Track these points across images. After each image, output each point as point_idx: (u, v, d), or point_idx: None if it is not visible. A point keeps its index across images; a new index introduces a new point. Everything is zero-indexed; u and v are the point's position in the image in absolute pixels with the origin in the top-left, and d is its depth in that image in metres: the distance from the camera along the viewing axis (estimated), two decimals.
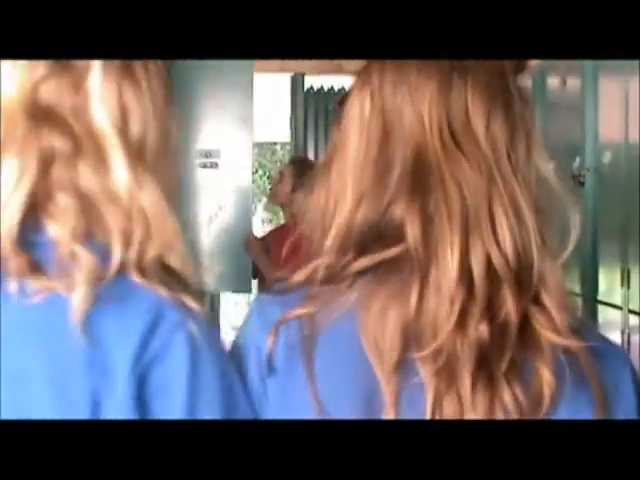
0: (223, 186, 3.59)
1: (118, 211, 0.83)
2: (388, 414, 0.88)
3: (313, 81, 7.03)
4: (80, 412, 0.87)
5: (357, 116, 0.94)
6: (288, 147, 8.40)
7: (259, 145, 12.37)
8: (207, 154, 3.58)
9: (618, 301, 2.95)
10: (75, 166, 0.85)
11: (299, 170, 3.55)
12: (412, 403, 0.85)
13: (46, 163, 0.85)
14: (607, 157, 3.11)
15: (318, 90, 7.08)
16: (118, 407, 0.85)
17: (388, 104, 0.93)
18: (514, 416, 0.88)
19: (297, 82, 7.00)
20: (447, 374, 0.82)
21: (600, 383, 0.86)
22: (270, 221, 13.25)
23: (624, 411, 0.93)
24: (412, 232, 0.82)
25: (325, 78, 6.98)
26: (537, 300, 0.83)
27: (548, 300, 0.83)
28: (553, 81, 3.89)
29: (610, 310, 3.06)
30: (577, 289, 3.44)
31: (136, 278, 0.81)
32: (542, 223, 0.87)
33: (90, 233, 0.82)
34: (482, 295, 0.80)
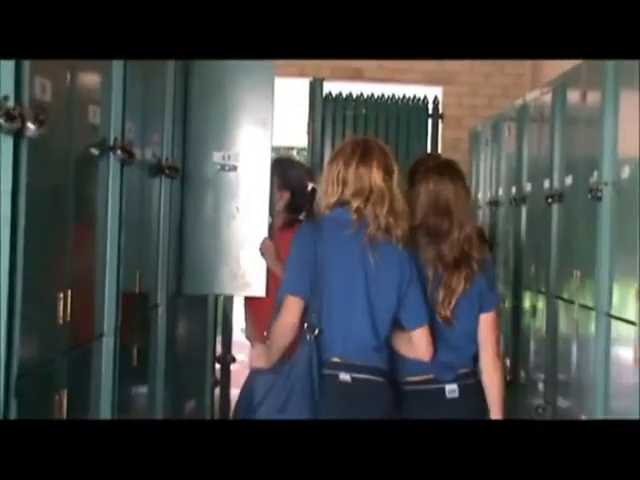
0: (241, 189, 3.61)
1: None
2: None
3: (332, 87, 7.05)
4: None
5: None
6: (305, 152, 8.41)
7: (276, 149, 12.36)
8: (226, 157, 3.60)
9: (632, 316, 2.94)
10: None
11: (280, 170, 3.59)
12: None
13: None
14: (625, 172, 3.11)
15: (336, 96, 7.10)
16: None
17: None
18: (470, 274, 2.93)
19: (315, 87, 7.02)
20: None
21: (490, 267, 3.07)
22: None
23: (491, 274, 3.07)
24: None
25: (344, 84, 7.00)
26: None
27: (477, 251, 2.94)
28: (573, 94, 3.89)
29: (623, 325, 3.05)
30: (591, 303, 3.43)
31: None
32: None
33: None
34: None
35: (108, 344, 2.46)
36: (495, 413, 2.88)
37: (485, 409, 2.89)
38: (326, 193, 2.66)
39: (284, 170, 3.63)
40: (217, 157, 3.60)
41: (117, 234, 2.52)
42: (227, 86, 3.63)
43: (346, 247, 2.57)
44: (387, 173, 2.68)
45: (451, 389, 2.71)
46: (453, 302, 2.75)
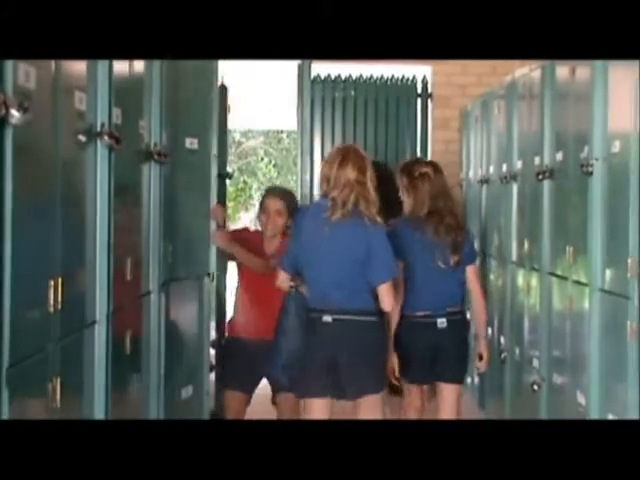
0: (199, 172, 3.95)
1: None
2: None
3: (320, 69, 7.01)
4: None
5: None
6: (294, 135, 8.37)
7: (265, 133, 12.36)
8: (193, 143, 3.83)
9: (626, 291, 2.94)
10: None
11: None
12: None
13: None
14: (616, 146, 3.10)
15: (325, 78, 7.07)
16: None
17: None
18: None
19: (304, 70, 6.98)
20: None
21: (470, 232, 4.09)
22: None
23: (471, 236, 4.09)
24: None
25: (332, 66, 6.97)
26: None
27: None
28: (562, 71, 3.88)
29: (617, 300, 3.05)
30: (584, 279, 3.44)
31: None
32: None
33: None
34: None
35: (100, 331, 2.45)
36: (483, 332, 4.11)
37: (466, 337, 3.98)
38: (320, 187, 3.56)
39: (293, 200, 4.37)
40: (188, 143, 3.78)
41: (107, 220, 2.50)
42: (187, 75, 3.77)
43: (321, 225, 3.41)
44: (361, 172, 3.45)
45: (441, 322, 3.81)
46: (460, 254, 3.88)
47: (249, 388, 4.22)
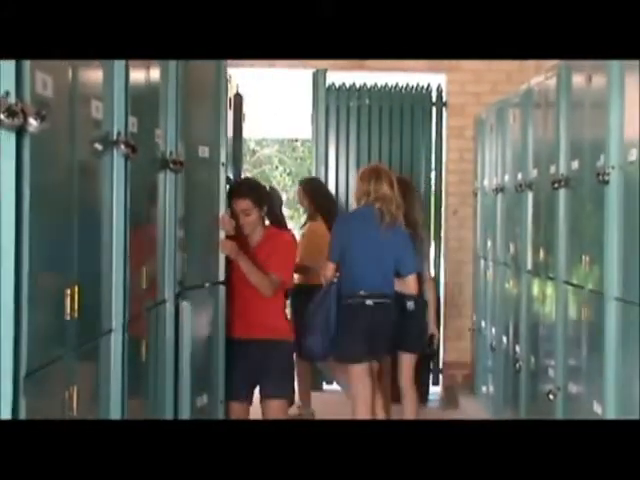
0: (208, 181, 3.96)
1: None
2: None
3: (335, 77, 7.02)
4: None
5: None
6: (309, 144, 8.38)
7: (280, 142, 12.37)
8: (205, 151, 3.81)
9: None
10: None
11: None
12: None
13: None
14: (633, 155, 3.08)
15: (340, 86, 7.07)
16: None
17: None
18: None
19: (318, 78, 6.99)
20: None
21: None
22: (291, 218, 13.24)
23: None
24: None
25: (346, 74, 6.97)
26: None
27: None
28: (578, 78, 3.87)
29: (633, 308, 3.03)
30: (600, 288, 3.42)
31: None
32: None
33: None
34: None
35: (117, 340, 2.46)
36: (433, 313, 5.11)
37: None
38: (358, 199, 4.61)
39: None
40: (201, 151, 3.79)
41: (123, 229, 2.51)
42: (198, 83, 3.79)
43: (371, 229, 4.48)
44: (390, 187, 4.52)
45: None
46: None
47: (246, 395, 4.18)
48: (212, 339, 3.90)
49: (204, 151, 3.81)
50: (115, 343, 2.45)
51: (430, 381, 6.78)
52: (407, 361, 4.81)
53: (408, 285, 4.48)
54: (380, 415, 4.63)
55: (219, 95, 4.00)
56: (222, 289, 3.96)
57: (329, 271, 4.45)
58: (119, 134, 2.44)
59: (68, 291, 2.07)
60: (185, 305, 3.41)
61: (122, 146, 2.44)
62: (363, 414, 4.38)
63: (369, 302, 4.39)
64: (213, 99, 3.98)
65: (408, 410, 4.79)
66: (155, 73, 3.05)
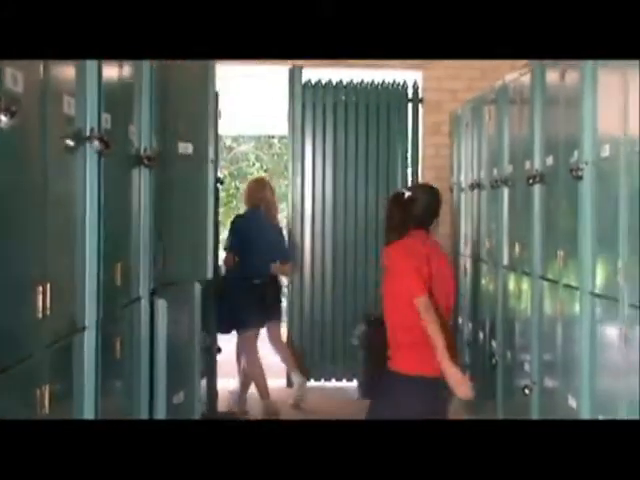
0: (193, 178, 3.88)
1: None
2: None
3: (311, 74, 7.01)
4: None
5: None
6: (285, 140, 8.37)
7: (256, 138, 12.34)
8: (185, 148, 3.78)
9: (616, 294, 2.94)
10: None
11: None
12: None
13: None
14: (606, 150, 3.10)
15: (316, 83, 7.06)
16: None
17: None
18: None
19: (295, 75, 6.98)
20: None
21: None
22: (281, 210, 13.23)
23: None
24: None
25: (323, 71, 6.97)
26: None
27: None
28: (552, 75, 3.88)
29: (607, 303, 3.05)
30: (575, 283, 3.44)
31: None
32: None
33: None
34: None
35: (90, 338, 2.44)
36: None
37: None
38: (247, 203, 6.36)
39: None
40: (181, 148, 3.74)
41: (96, 226, 2.49)
42: (183, 80, 3.74)
43: (257, 225, 6.18)
44: (272, 193, 6.35)
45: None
46: None
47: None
48: (189, 336, 3.89)
49: (186, 148, 3.77)
50: (88, 341, 2.43)
51: None
52: (277, 326, 6.47)
53: (283, 269, 6.38)
54: (293, 368, 6.40)
55: (206, 91, 3.95)
56: (198, 287, 3.94)
57: (228, 259, 6.06)
58: (92, 130, 2.42)
59: (40, 288, 2.04)
60: (161, 302, 3.39)
61: (95, 142, 2.42)
62: (253, 365, 6.07)
63: (257, 281, 6.06)
64: (198, 95, 3.93)
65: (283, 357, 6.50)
66: (129, 68, 3.02)
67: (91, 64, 2.41)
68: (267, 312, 6.15)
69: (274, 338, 6.43)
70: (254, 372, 6.06)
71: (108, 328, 2.62)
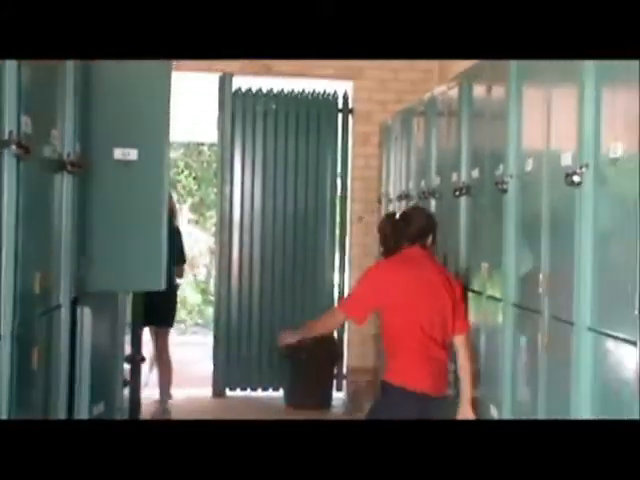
0: (139, 186, 3.68)
1: None
2: None
3: (241, 82, 6.98)
4: None
5: None
6: (215, 147, 8.31)
7: (186, 145, 12.24)
8: (125, 153, 3.63)
9: (537, 306, 2.99)
10: None
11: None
12: None
13: None
14: (529, 164, 3.16)
15: (246, 91, 7.04)
16: None
17: None
18: None
19: (225, 82, 6.94)
20: None
21: None
22: (196, 222, 13.10)
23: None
24: None
25: (253, 79, 6.95)
26: None
27: None
28: (479, 89, 3.94)
29: (529, 314, 3.10)
30: (498, 294, 3.48)
31: None
32: None
33: None
34: None
35: (5, 347, 2.36)
36: None
37: None
38: None
39: None
40: (117, 153, 3.60)
41: (14, 233, 2.42)
42: (125, 82, 3.62)
43: None
44: (170, 196, 5.48)
45: None
46: None
47: None
48: (110, 346, 3.81)
49: (127, 153, 3.65)
50: (3, 350, 2.35)
51: (334, 387, 6.81)
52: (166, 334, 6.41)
53: (179, 271, 6.47)
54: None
55: (159, 94, 3.79)
56: (122, 296, 3.87)
57: None
58: (10, 134, 2.35)
59: None
60: (85, 311, 3.31)
61: (14, 146, 2.34)
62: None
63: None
64: (149, 98, 3.78)
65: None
66: (52, 68, 2.95)
67: (10, 64, 2.34)
68: (159, 317, 6.04)
69: (160, 348, 6.30)
70: (162, 371, 6.10)
71: (25, 337, 2.54)
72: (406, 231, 3.78)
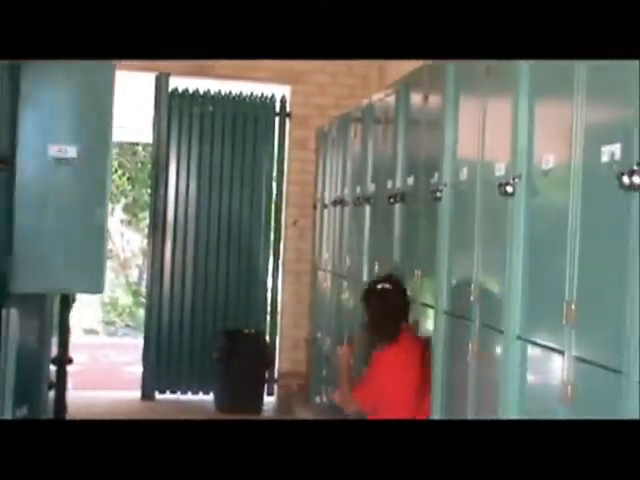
0: (78, 185, 3.55)
1: None
2: None
3: (178, 82, 6.91)
4: None
5: None
6: (150, 148, 8.22)
7: (120, 145, 12.07)
8: (63, 150, 3.52)
9: (468, 314, 3.02)
10: None
11: None
12: None
13: None
14: (464, 173, 3.19)
15: (183, 92, 6.96)
16: None
17: None
18: None
19: (161, 82, 6.86)
20: None
21: None
22: (129, 223, 12.93)
23: None
24: None
25: (190, 80, 6.88)
26: None
27: None
28: (416, 97, 3.97)
29: (460, 322, 3.13)
30: (431, 301, 3.51)
31: None
32: None
33: None
34: None
35: None
36: None
37: None
38: None
39: None
40: (52, 150, 3.50)
41: None
42: (64, 80, 3.53)
43: None
44: None
45: None
46: None
47: None
48: (36, 348, 3.72)
49: (65, 150, 3.55)
50: None
51: (265, 391, 6.78)
52: None
53: None
54: None
55: (102, 91, 3.70)
56: (50, 297, 3.78)
57: None
58: None
59: None
60: (13, 312, 3.22)
61: None
62: None
63: None
64: (90, 95, 3.70)
65: None
66: None
67: None
68: None
69: None
70: None
71: None
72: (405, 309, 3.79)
